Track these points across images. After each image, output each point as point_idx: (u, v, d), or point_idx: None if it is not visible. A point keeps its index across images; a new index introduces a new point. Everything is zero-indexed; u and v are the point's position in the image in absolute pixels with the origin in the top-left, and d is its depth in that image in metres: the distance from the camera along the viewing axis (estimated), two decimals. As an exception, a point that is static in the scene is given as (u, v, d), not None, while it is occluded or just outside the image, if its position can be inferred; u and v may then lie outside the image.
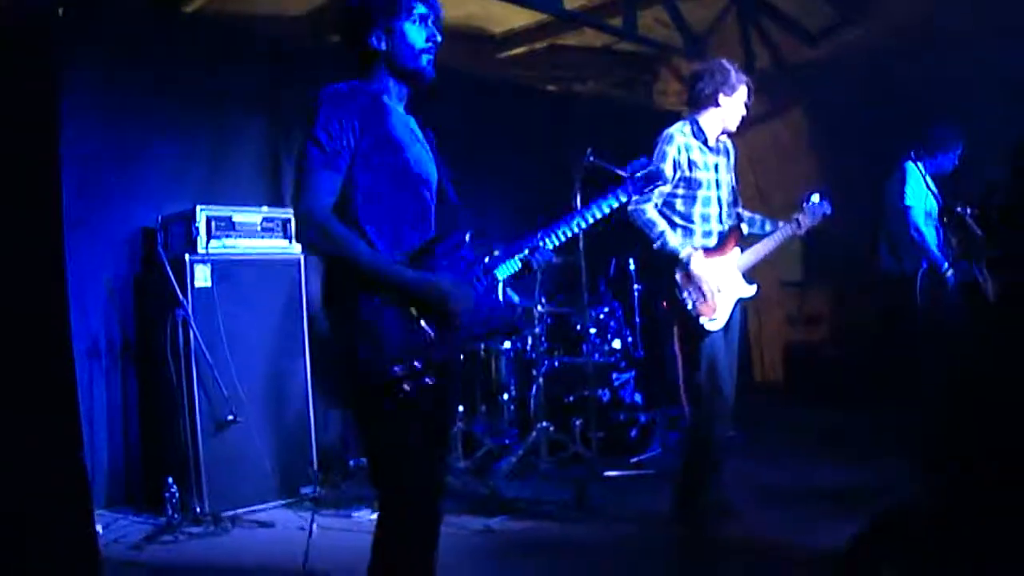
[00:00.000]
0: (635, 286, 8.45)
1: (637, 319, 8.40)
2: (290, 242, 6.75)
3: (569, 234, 3.61)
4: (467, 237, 3.34)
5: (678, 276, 5.57)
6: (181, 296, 6.14)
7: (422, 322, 3.10)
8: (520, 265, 3.47)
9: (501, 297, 3.41)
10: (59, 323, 3.44)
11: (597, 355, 7.74)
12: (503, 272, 3.43)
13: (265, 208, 6.81)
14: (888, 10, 9.35)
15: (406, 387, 3.01)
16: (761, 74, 10.36)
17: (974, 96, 8.21)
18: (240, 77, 7.55)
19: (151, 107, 6.92)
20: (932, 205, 6.62)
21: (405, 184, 3.27)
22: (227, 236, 6.45)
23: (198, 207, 6.36)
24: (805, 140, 10.91)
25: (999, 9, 7.96)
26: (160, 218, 6.55)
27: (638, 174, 3.81)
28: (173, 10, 7.68)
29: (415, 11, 3.30)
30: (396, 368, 3.01)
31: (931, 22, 8.85)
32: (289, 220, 6.75)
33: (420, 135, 3.46)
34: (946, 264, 6.48)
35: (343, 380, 3.20)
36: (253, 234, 6.60)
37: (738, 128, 6.03)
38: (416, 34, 3.31)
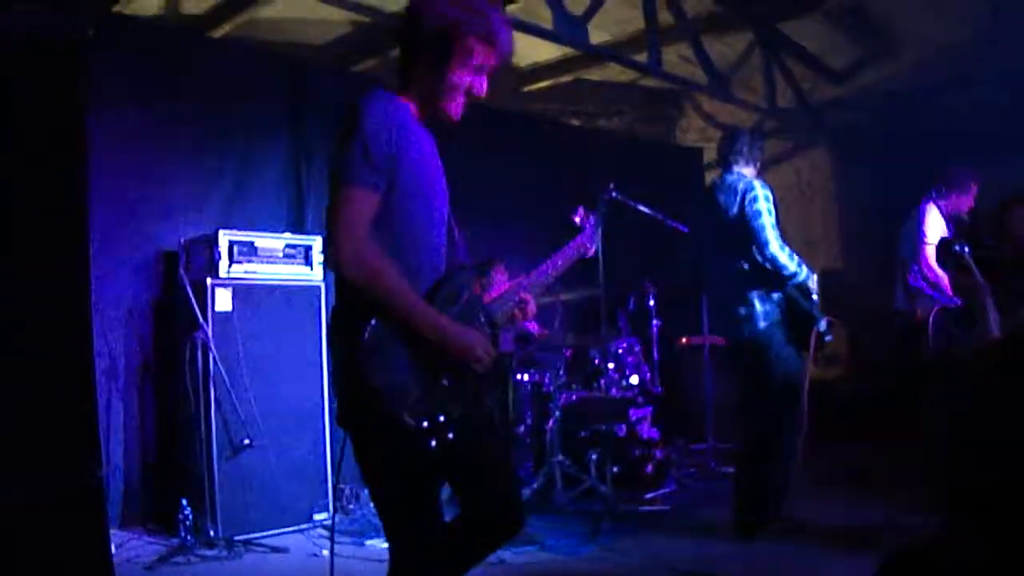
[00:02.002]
0: (654, 321, 8.44)
1: (655, 354, 8.38)
2: (311, 269, 6.76)
3: (547, 283, 3.58)
4: (471, 279, 3.20)
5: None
6: (201, 319, 6.16)
7: (440, 370, 2.95)
8: (508, 314, 3.41)
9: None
10: (82, 345, 3.46)
11: (614, 390, 7.72)
12: (500, 318, 3.32)
13: (288, 234, 6.84)
14: (911, 49, 9.38)
15: (432, 442, 2.87)
16: (784, 112, 10.40)
17: (996, 136, 8.22)
18: (264, 103, 7.60)
19: (176, 131, 6.96)
20: None
21: (427, 217, 3.10)
22: (249, 261, 6.47)
23: (220, 231, 6.38)
24: (826, 178, 10.92)
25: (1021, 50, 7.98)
26: (182, 241, 6.59)
27: (586, 223, 3.90)
28: (199, 35, 7.76)
29: (470, 60, 3.09)
30: (423, 422, 2.85)
31: (954, 61, 8.88)
32: (311, 247, 6.77)
33: (436, 157, 3.26)
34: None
35: (352, 417, 3.04)
36: (275, 260, 6.62)
37: (762, 165, 6.22)
38: (458, 80, 3.09)
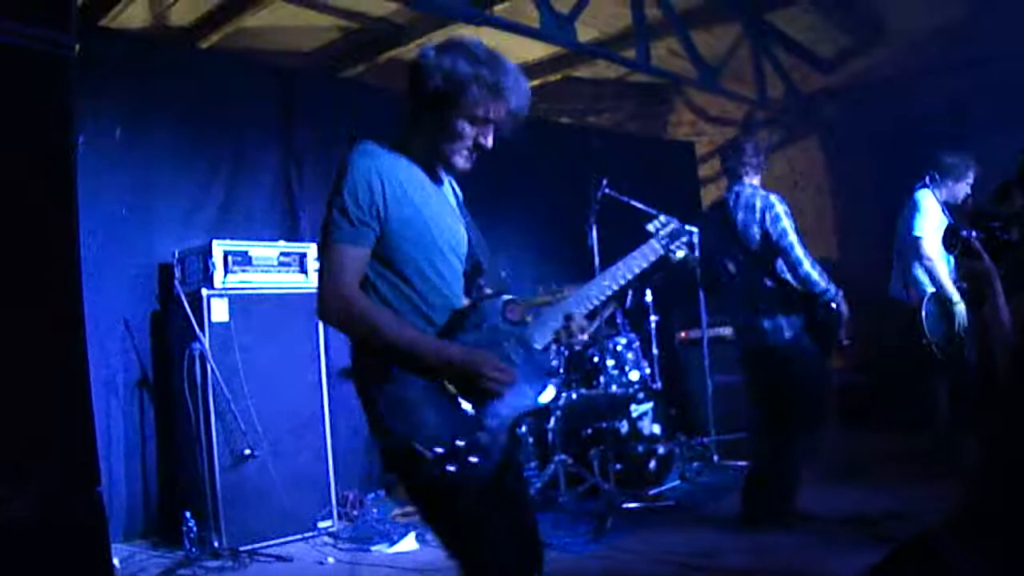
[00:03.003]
0: (652, 317, 8.44)
1: (655, 350, 8.38)
2: (307, 276, 6.75)
3: (602, 298, 3.40)
4: (500, 304, 3.19)
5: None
6: (198, 330, 6.16)
7: (459, 399, 2.96)
8: (552, 338, 3.25)
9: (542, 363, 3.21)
10: (77, 358, 3.45)
11: (615, 387, 7.71)
12: (539, 341, 3.22)
13: (282, 242, 6.84)
14: (900, 35, 9.38)
15: (450, 468, 2.87)
16: (775, 103, 10.40)
17: (988, 119, 8.22)
18: (254, 112, 7.60)
19: (166, 143, 6.96)
20: None
21: (434, 255, 3.12)
22: (244, 270, 6.46)
23: (214, 242, 6.38)
24: (820, 167, 10.91)
25: (1014, 37, 7.98)
26: (176, 253, 6.58)
27: (662, 231, 3.66)
28: (188, 46, 7.75)
29: (480, 112, 3.06)
30: (437, 449, 2.86)
31: (943, 46, 8.88)
32: (305, 255, 6.76)
33: (451, 200, 3.35)
34: (955, 297, 6.50)
35: (385, 456, 3.08)
36: (270, 268, 6.61)
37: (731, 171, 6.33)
38: (464, 131, 3.09)
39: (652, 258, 3.58)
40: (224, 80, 7.39)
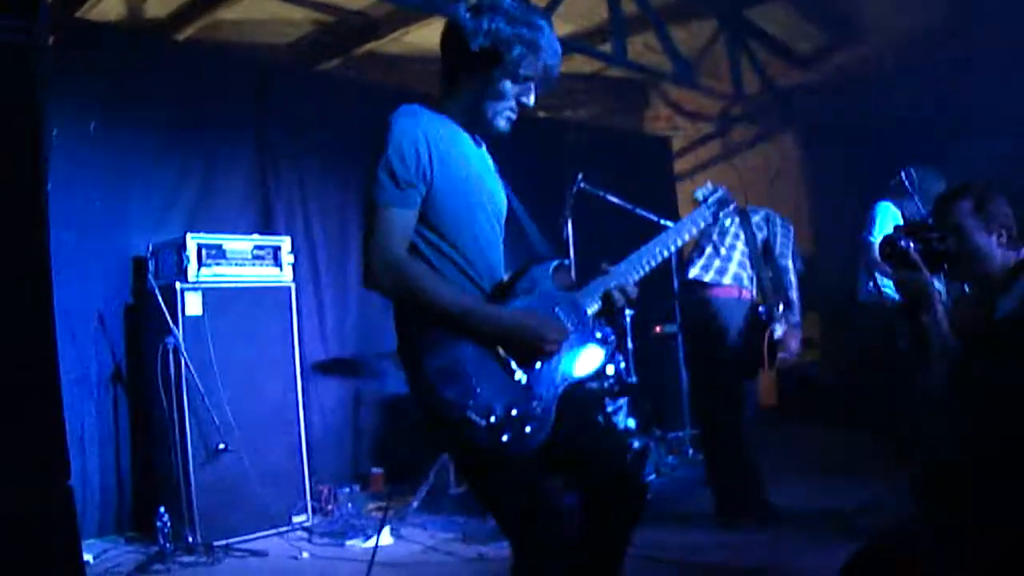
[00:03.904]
0: (627, 311, 8.43)
1: (629, 344, 8.38)
2: (281, 270, 6.73)
3: (653, 264, 3.38)
4: (551, 269, 3.17)
5: None
6: (172, 324, 6.13)
7: (513, 365, 2.93)
8: (601, 304, 3.21)
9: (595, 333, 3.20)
10: (45, 352, 3.42)
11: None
12: (589, 305, 3.19)
13: (256, 236, 6.82)
14: (878, 33, 9.41)
15: (504, 438, 2.82)
16: (751, 98, 10.42)
17: (964, 119, 8.25)
18: (228, 105, 7.56)
19: (141, 135, 6.92)
20: None
21: (479, 217, 3.12)
22: (218, 264, 6.43)
23: (188, 235, 6.35)
24: (795, 164, 10.94)
25: (991, 36, 8.02)
26: (150, 246, 6.54)
27: (711, 198, 3.69)
28: (162, 38, 7.71)
29: (521, 71, 3.10)
30: (491, 418, 2.82)
31: (921, 45, 8.91)
32: (279, 248, 6.74)
33: (492, 167, 3.36)
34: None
35: (433, 431, 2.99)
36: (244, 262, 6.58)
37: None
38: (507, 90, 3.12)
39: (702, 224, 3.62)
40: (199, 73, 7.35)
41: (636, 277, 3.28)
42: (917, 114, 8.74)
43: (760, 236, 6.17)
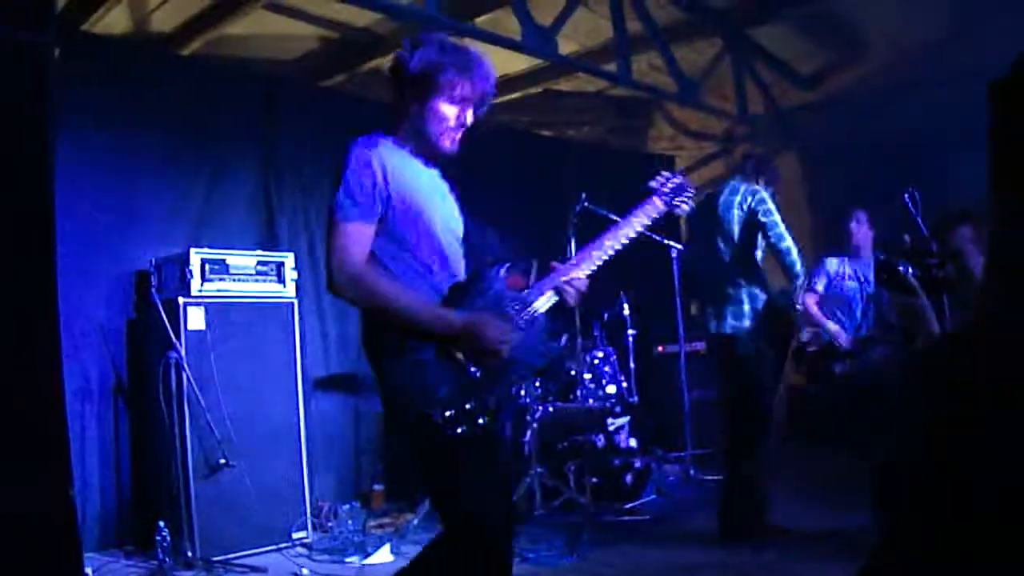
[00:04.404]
0: (629, 331, 8.43)
1: (631, 363, 8.38)
2: (284, 286, 6.73)
3: (604, 258, 3.58)
4: (502, 272, 3.40)
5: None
6: (174, 338, 6.12)
7: (467, 363, 3.15)
8: (553, 300, 3.46)
9: (544, 330, 3.44)
10: (50, 364, 3.43)
11: (592, 400, 7.71)
12: (541, 303, 3.43)
13: (259, 251, 6.82)
14: (880, 53, 9.42)
15: (459, 430, 3.07)
16: (754, 118, 10.43)
17: (966, 136, 8.25)
18: (234, 120, 7.57)
19: (145, 149, 6.92)
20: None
21: (432, 234, 3.36)
22: (221, 279, 6.43)
23: (192, 250, 6.35)
24: (798, 183, 10.94)
25: (994, 53, 8.01)
26: (154, 260, 6.54)
27: (665, 187, 3.91)
28: (167, 52, 7.72)
29: (456, 92, 3.41)
30: (447, 412, 3.06)
31: (923, 64, 8.91)
32: (283, 264, 6.74)
33: (443, 187, 3.60)
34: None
35: (394, 422, 3.33)
36: (247, 277, 6.58)
37: (733, 172, 6.44)
38: (447, 112, 3.42)
39: (655, 215, 3.83)
40: (204, 87, 7.36)
41: (585, 272, 3.52)
42: (919, 134, 8.75)
43: (737, 222, 6.11)
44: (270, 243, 7.51)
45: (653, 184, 3.92)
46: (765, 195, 6.07)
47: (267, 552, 6.34)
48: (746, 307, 6.01)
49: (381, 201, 3.23)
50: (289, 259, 6.81)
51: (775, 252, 5.96)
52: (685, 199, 3.95)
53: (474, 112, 3.51)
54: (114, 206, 6.72)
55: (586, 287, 3.52)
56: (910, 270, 3.66)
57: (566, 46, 8.28)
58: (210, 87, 7.42)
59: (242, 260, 6.60)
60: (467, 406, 3.09)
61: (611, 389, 7.96)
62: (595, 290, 3.65)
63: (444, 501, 3.32)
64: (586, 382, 7.76)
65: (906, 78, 9.28)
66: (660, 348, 9.48)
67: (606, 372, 8.02)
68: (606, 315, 8.42)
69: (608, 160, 10.79)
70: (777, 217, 5.99)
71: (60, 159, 5.76)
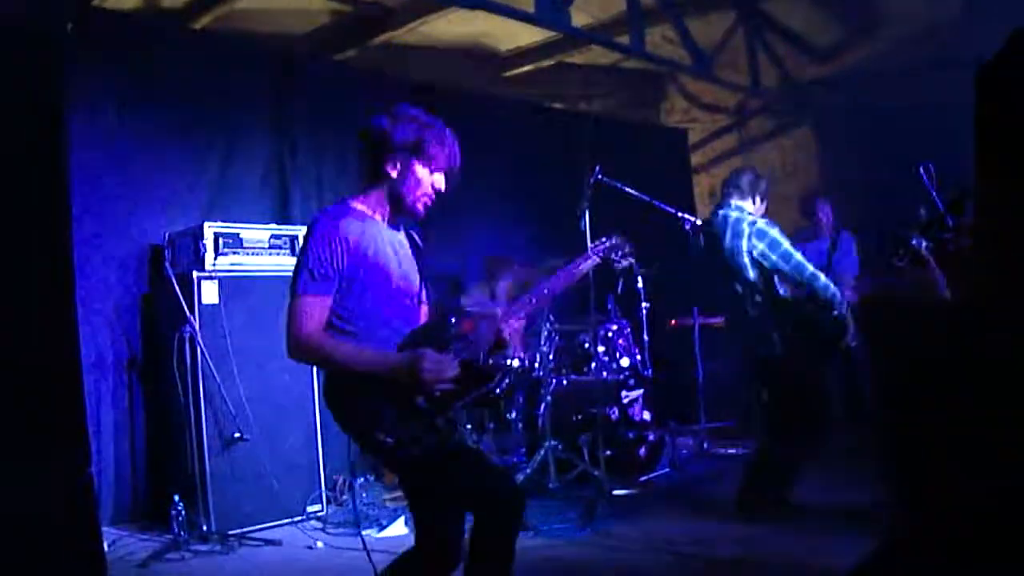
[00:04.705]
0: (643, 304, 8.41)
1: (645, 337, 8.36)
2: (298, 259, 6.72)
3: (535, 304, 3.98)
4: (453, 319, 3.73)
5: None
6: (188, 313, 6.13)
7: (414, 395, 3.49)
8: (492, 344, 3.82)
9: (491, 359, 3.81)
10: (68, 340, 3.43)
11: (605, 373, 7.69)
12: (483, 347, 3.76)
13: (273, 224, 6.82)
14: (895, 27, 9.37)
15: (412, 450, 3.46)
16: (768, 91, 10.38)
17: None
18: (247, 94, 7.56)
19: (158, 124, 6.92)
20: None
21: (389, 296, 3.68)
22: (235, 253, 6.43)
23: (205, 223, 6.35)
24: (812, 156, 10.91)
25: (1009, 27, 7.96)
26: (167, 235, 6.54)
27: (602, 246, 4.28)
28: (180, 26, 7.70)
29: (433, 160, 3.71)
30: (389, 438, 3.45)
31: (939, 39, 8.87)
32: (296, 237, 6.73)
33: (405, 247, 3.90)
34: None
35: (363, 448, 3.68)
36: (261, 251, 6.58)
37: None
38: (424, 178, 3.72)
39: (587, 268, 4.19)
40: (217, 62, 7.34)
41: (522, 315, 3.92)
42: (933, 107, 8.70)
43: (755, 253, 6.09)
44: (283, 216, 7.51)
45: (592, 245, 4.32)
46: (764, 226, 6.00)
47: (282, 525, 6.37)
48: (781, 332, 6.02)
49: (339, 273, 3.54)
50: (303, 232, 6.79)
51: (799, 285, 5.96)
52: (624, 255, 4.32)
53: (446, 182, 3.80)
54: (128, 181, 6.72)
55: (522, 329, 3.93)
56: (924, 243, 3.64)
57: (579, 18, 8.23)
58: (222, 61, 7.40)
59: (256, 234, 6.60)
60: (413, 432, 3.47)
61: (625, 362, 7.95)
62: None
63: (420, 501, 3.76)
64: (600, 355, 7.75)
65: (922, 53, 9.23)
66: (673, 321, 9.46)
67: (620, 345, 8.00)
68: (620, 288, 8.39)
69: (621, 133, 10.75)
70: (786, 244, 5.96)
71: (73, 135, 5.75)
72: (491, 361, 3.80)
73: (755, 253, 5.94)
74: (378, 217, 3.78)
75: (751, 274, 5.98)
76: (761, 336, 6.03)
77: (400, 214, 3.82)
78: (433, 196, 3.78)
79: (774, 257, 5.89)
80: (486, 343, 3.77)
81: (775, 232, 5.95)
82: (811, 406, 6.05)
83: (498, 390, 3.76)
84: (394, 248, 3.79)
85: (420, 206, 3.77)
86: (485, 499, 3.60)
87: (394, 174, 3.70)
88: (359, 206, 3.75)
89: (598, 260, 4.25)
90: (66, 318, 3.46)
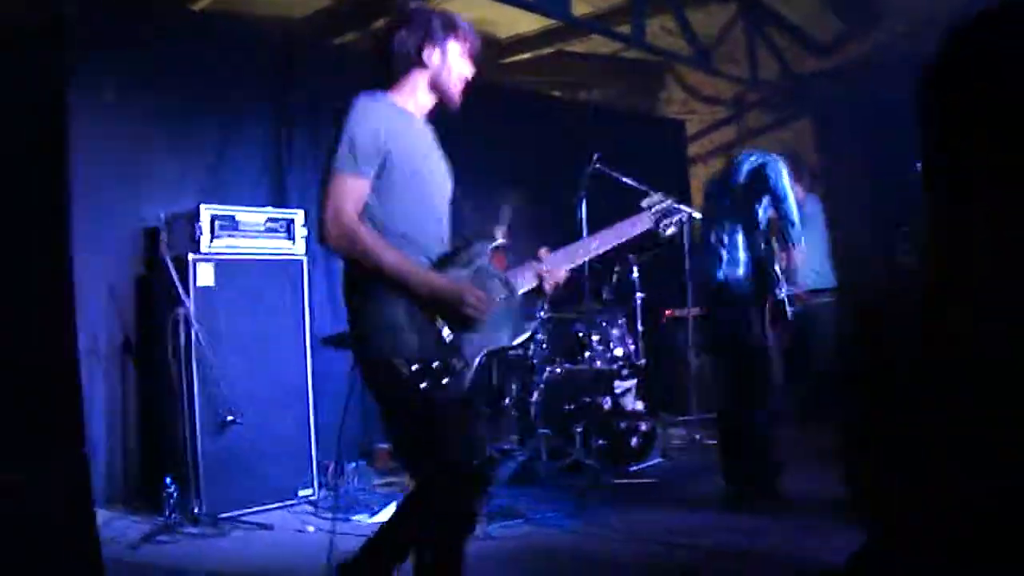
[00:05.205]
0: (638, 293, 8.41)
1: (639, 326, 8.37)
2: (293, 243, 6.72)
3: (587, 257, 3.91)
4: (487, 248, 3.54)
5: None
6: (183, 295, 6.12)
7: (441, 324, 3.27)
8: (532, 284, 3.64)
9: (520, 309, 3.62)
10: (64, 322, 3.44)
11: (599, 362, 7.70)
12: (520, 285, 3.59)
13: (269, 208, 6.81)
14: (895, 20, 9.36)
15: (423, 385, 3.17)
16: (767, 84, 10.38)
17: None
18: (245, 76, 7.55)
19: (156, 105, 6.90)
20: None
21: (425, 195, 3.47)
22: (231, 235, 6.42)
23: (202, 206, 6.33)
24: (811, 150, 10.90)
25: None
26: (163, 217, 6.53)
27: (655, 207, 4.13)
28: (179, 8, 7.68)
29: (467, 38, 3.60)
30: (413, 366, 3.17)
31: (939, 32, 8.85)
32: (293, 221, 6.72)
33: (438, 149, 3.67)
34: None
35: (362, 364, 3.39)
36: (257, 234, 6.57)
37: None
38: (459, 60, 3.59)
39: (640, 229, 4.06)
40: (217, 44, 7.33)
41: (567, 266, 3.74)
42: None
43: (744, 174, 6.12)
44: (280, 200, 7.50)
45: (645, 203, 4.14)
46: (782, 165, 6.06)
47: (273, 509, 6.37)
48: (741, 255, 6.04)
49: (379, 159, 3.31)
50: (299, 216, 6.79)
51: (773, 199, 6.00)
52: (673, 222, 4.17)
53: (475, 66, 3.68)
54: (125, 163, 6.70)
55: (563, 281, 3.72)
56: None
57: (579, 7, 8.23)
58: (222, 43, 7.39)
59: (252, 217, 6.59)
60: (433, 364, 3.21)
61: (619, 352, 7.95)
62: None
63: (408, 450, 3.57)
64: (594, 344, 7.76)
65: (922, 46, 9.22)
66: (668, 312, 9.47)
67: (614, 335, 8.01)
68: (615, 278, 8.39)
69: (619, 123, 10.75)
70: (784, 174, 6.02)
71: (72, 116, 5.75)
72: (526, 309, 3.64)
73: (756, 161, 6.17)
74: (413, 110, 3.58)
75: (741, 179, 6.18)
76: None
77: (439, 101, 3.63)
78: (463, 84, 3.64)
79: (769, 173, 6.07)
80: (521, 287, 3.60)
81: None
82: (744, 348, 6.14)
83: (519, 345, 3.67)
84: (431, 145, 3.64)
85: (456, 93, 3.62)
86: (443, 468, 3.38)
87: (436, 59, 3.54)
88: (395, 99, 3.55)
89: (650, 224, 4.10)
90: (61, 300, 3.47)
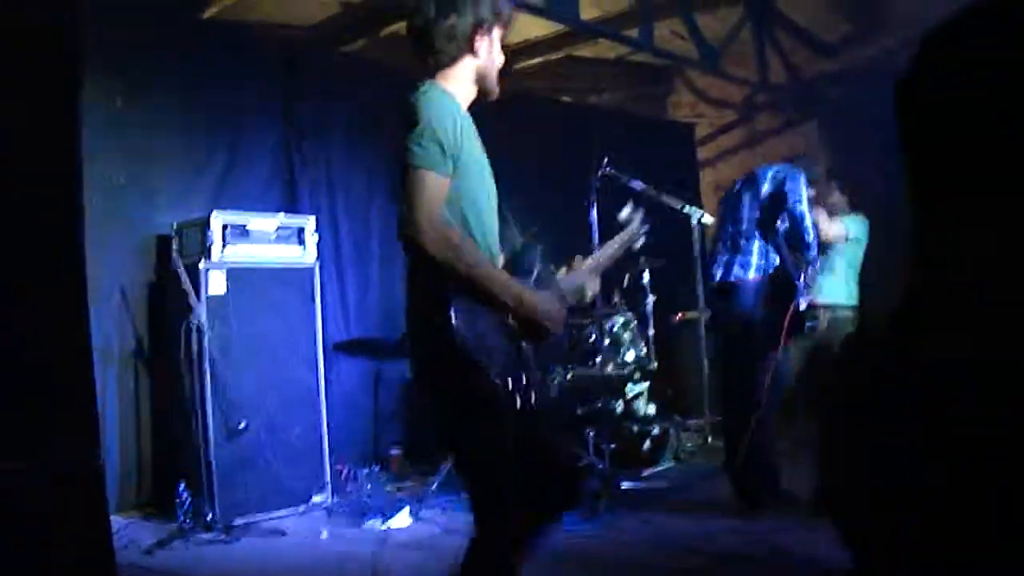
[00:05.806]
0: (649, 297, 8.40)
1: (651, 330, 8.36)
2: (304, 250, 6.74)
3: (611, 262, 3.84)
4: (539, 254, 3.39)
5: None
6: (195, 302, 6.13)
7: (519, 337, 3.14)
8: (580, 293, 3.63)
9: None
10: (79, 329, 3.44)
11: (611, 366, 7.69)
12: (569, 294, 3.52)
13: (281, 215, 6.82)
14: (903, 23, 9.35)
15: (507, 397, 3.00)
16: (776, 87, 10.38)
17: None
18: (255, 83, 7.57)
19: (166, 113, 6.93)
20: None
21: (489, 195, 3.31)
22: (242, 243, 6.44)
23: (213, 213, 6.35)
24: (820, 153, 10.88)
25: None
26: (175, 224, 6.55)
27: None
28: (189, 15, 7.70)
29: (504, 29, 3.39)
30: (501, 378, 2.98)
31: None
32: (303, 228, 6.74)
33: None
34: None
35: (437, 382, 3.13)
36: (268, 241, 6.59)
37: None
38: (499, 55, 3.40)
39: (619, 246, 4.01)
40: (227, 51, 7.36)
41: (597, 274, 3.72)
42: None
43: (765, 191, 6.13)
44: (291, 207, 7.51)
45: (623, 214, 4.24)
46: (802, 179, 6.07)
47: (287, 515, 6.38)
48: (755, 259, 6.04)
49: (455, 156, 3.04)
50: (310, 223, 6.81)
51: (792, 220, 5.99)
52: (641, 233, 4.19)
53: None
54: (135, 170, 6.72)
55: (596, 291, 3.72)
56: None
57: (588, 11, 8.24)
58: (233, 51, 7.42)
59: (263, 224, 6.60)
60: (519, 378, 3.05)
61: (630, 356, 7.94)
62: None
63: (485, 466, 3.15)
64: (605, 348, 7.75)
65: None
66: (679, 315, 9.46)
67: (625, 338, 8.00)
68: (626, 281, 8.39)
69: (628, 127, 10.74)
70: (804, 194, 6.00)
71: (83, 125, 5.77)
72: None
73: (780, 175, 6.22)
74: (461, 101, 3.28)
75: (763, 193, 6.20)
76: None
77: (482, 95, 3.42)
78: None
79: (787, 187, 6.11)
80: (572, 294, 3.49)
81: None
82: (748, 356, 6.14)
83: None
84: (481, 146, 3.34)
85: (496, 84, 3.43)
86: (532, 488, 3.15)
87: (482, 55, 3.30)
88: (450, 89, 3.23)
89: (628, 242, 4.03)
90: (75, 304, 3.47)
